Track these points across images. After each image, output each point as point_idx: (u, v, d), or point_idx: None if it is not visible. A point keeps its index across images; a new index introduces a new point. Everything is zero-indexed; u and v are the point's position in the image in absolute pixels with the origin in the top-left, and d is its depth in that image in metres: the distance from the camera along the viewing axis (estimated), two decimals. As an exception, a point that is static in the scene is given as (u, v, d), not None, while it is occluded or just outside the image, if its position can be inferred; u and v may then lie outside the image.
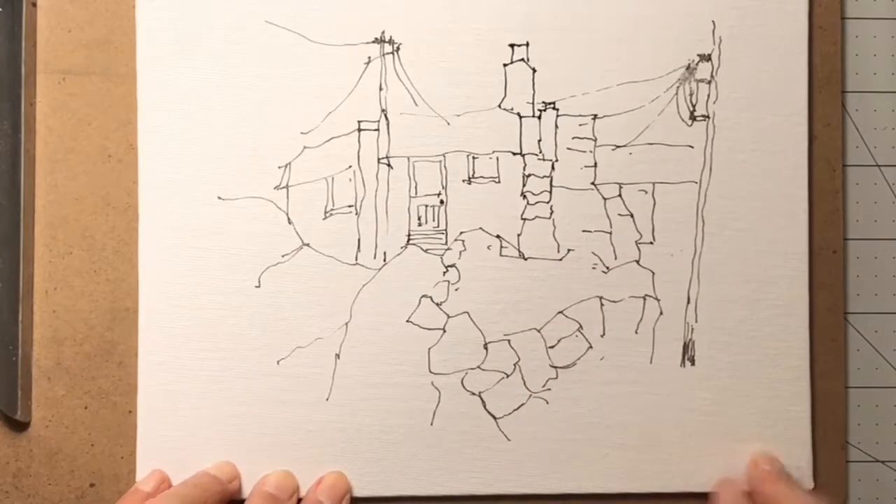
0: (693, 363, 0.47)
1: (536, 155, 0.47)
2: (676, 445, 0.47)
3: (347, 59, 0.47)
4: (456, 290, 0.47)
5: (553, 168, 0.47)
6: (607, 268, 0.47)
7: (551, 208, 0.47)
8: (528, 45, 0.47)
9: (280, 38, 0.47)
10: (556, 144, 0.47)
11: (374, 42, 0.47)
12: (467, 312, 0.47)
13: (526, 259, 0.47)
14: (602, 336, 0.47)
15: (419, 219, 0.47)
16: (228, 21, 0.47)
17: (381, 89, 0.47)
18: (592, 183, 0.47)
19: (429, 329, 0.47)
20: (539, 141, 0.47)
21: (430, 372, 0.47)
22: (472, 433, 0.47)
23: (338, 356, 0.47)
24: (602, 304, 0.47)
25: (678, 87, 0.47)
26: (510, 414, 0.47)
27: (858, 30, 0.49)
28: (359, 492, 0.47)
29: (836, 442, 0.48)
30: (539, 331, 0.47)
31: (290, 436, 0.47)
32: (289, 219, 0.47)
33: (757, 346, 0.47)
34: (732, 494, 0.45)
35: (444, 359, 0.47)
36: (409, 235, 0.47)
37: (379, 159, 0.47)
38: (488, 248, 0.47)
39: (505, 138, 0.47)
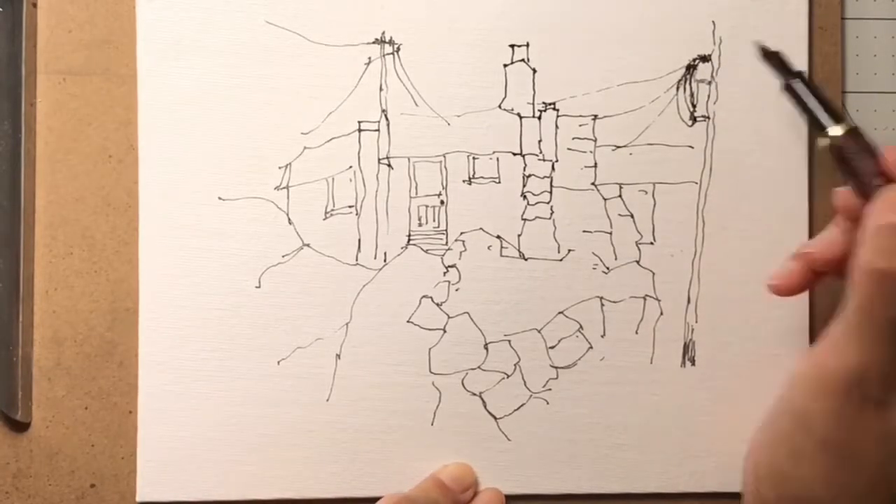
0: (693, 363, 0.47)
1: (537, 155, 0.47)
2: (676, 445, 0.47)
3: (347, 60, 0.47)
4: (456, 290, 0.47)
5: (553, 168, 0.47)
6: (607, 268, 0.47)
7: (551, 209, 0.47)
8: (528, 45, 0.47)
9: (280, 39, 0.47)
10: (556, 145, 0.47)
11: (374, 42, 0.47)
12: (468, 313, 0.47)
13: (526, 259, 0.47)
14: (602, 336, 0.47)
15: (419, 219, 0.47)
16: (228, 21, 0.47)
17: (381, 90, 0.47)
18: (592, 183, 0.47)
19: (429, 329, 0.47)
20: (539, 141, 0.47)
21: (431, 372, 0.47)
22: (473, 433, 0.47)
23: (338, 356, 0.47)
24: (602, 305, 0.47)
25: (678, 88, 0.47)
26: (510, 414, 0.47)
27: (858, 30, 0.49)
28: (359, 492, 0.47)
29: (835, 442, 0.48)
30: (539, 331, 0.47)
31: (290, 436, 0.47)
32: (289, 219, 0.47)
33: (757, 346, 0.47)
34: None
35: (445, 359, 0.47)
36: (409, 236, 0.47)
37: (379, 160, 0.47)
38: (489, 248, 0.47)
39: (505, 139, 0.47)
